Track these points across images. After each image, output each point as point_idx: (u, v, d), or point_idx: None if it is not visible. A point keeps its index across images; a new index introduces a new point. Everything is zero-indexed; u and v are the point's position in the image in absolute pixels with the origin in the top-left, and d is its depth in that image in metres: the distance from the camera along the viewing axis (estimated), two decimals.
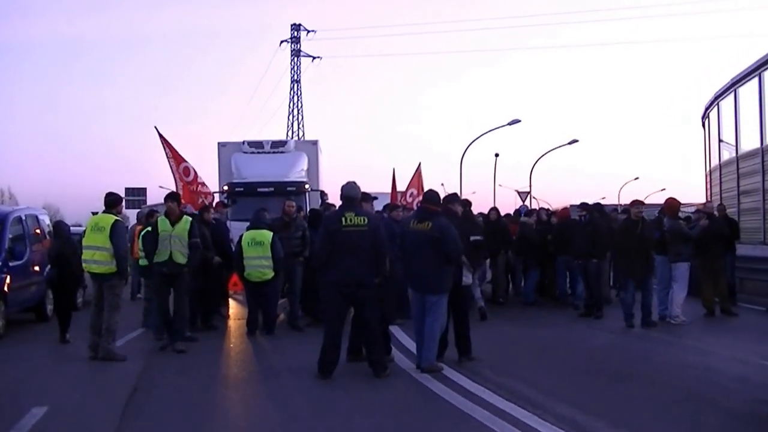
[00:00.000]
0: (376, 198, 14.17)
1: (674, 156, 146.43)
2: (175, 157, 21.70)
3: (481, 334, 13.79)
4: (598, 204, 19.56)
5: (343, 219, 11.44)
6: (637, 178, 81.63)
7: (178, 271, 14.03)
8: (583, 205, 19.52)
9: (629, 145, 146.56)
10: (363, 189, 11.93)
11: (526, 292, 21.18)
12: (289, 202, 17.27)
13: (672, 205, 18.18)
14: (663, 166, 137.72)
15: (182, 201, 17.97)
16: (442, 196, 12.41)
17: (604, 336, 15.73)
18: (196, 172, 22.30)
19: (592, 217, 18.71)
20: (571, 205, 23.27)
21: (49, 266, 16.09)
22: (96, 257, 13.36)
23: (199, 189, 22.26)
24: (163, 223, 14.10)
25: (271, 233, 16.13)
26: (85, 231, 13.93)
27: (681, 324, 16.85)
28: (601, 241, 18.08)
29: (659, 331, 16.08)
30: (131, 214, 37.64)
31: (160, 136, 21.44)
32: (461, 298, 12.33)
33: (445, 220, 11.77)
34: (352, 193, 11.62)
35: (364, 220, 11.40)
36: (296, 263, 16.74)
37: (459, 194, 14.37)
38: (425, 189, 24.10)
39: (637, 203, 17.21)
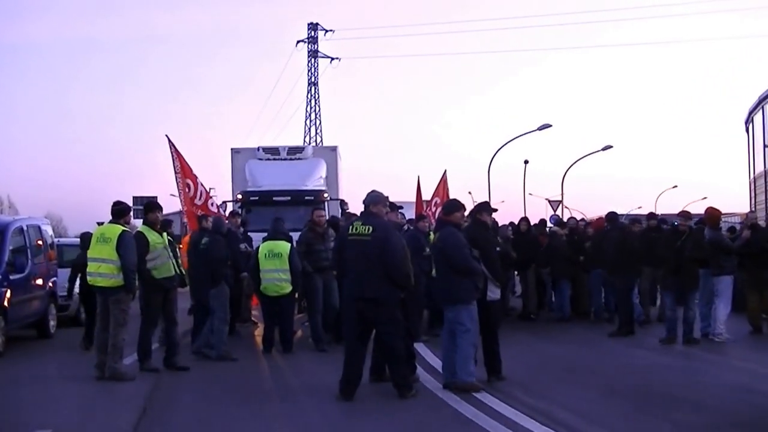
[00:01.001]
0: (401, 208, 14.07)
1: (715, 162, 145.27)
2: (184, 172, 20.89)
3: (512, 352, 13.68)
4: (612, 213, 19.39)
5: (351, 227, 11.52)
6: (675, 186, 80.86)
7: (177, 285, 14.27)
8: (610, 215, 19.40)
9: (667, 151, 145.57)
10: (390, 198, 11.89)
11: (558, 308, 21.04)
12: (318, 212, 17.09)
13: (713, 215, 18.04)
14: (703, 173, 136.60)
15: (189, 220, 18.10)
16: (469, 205, 12.39)
17: (643, 355, 15.59)
18: (207, 192, 21.64)
19: (622, 228, 18.67)
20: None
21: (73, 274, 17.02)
22: (101, 270, 13.29)
23: (201, 211, 21.09)
24: (151, 234, 13.93)
25: (289, 244, 16.07)
26: (90, 242, 13.89)
27: (724, 342, 16.69)
28: (631, 253, 17.96)
29: (701, 350, 15.93)
30: (139, 225, 37.65)
31: (171, 145, 20.90)
32: (488, 314, 12.23)
33: (449, 230, 11.85)
34: (367, 201, 11.61)
35: (368, 229, 11.28)
36: (322, 278, 16.50)
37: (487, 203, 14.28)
38: (450, 198, 24.33)
39: (683, 215, 17.08)
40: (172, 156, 20.72)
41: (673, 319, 16.52)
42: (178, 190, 20.77)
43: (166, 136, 20.75)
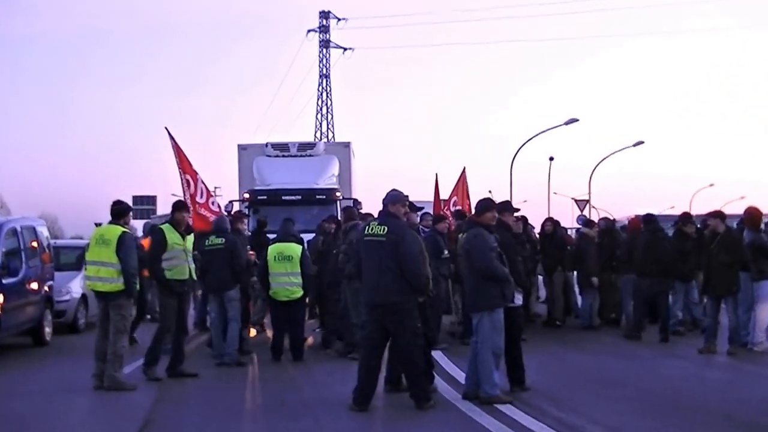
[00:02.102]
0: (422, 209, 14.00)
1: (755, 159, 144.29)
2: (183, 167, 20.77)
3: (537, 361, 13.66)
4: (649, 215, 19.38)
5: (367, 227, 11.55)
6: (712, 185, 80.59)
7: (191, 290, 14.21)
8: (647, 217, 19.34)
9: (702, 147, 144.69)
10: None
11: (583, 314, 20.95)
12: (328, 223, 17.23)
13: (753, 215, 17.89)
14: (741, 170, 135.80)
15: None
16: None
17: (679, 365, 15.53)
18: (208, 191, 21.46)
19: (655, 230, 18.64)
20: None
21: None
22: (101, 274, 13.33)
23: (203, 211, 21.00)
24: (172, 234, 14.07)
25: (301, 247, 16.08)
26: (88, 244, 13.92)
27: (765, 351, 16.60)
28: (663, 256, 17.98)
29: (741, 360, 15.84)
30: (139, 226, 37.62)
31: (171, 138, 20.83)
32: (511, 321, 12.20)
33: (476, 231, 11.81)
34: (385, 200, 11.62)
35: (383, 229, 11.29)
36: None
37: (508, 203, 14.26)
38: (470, 197, 24.28)
39: (715, 214, 16.97)
40: (174, 150, 20.62)
41: (712, 327, 16.43)
42: (182, 187, 20.62)
43: (166, 128, 20.60)
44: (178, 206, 14.57)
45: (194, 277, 14.35)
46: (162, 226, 14.30)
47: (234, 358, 15.28)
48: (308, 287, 16.00)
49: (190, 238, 14.39)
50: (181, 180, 20.40)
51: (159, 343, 14.07)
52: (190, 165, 20.48)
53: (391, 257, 11.14)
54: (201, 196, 20.36)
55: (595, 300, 20.75)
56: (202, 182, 20.53)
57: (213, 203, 20.80)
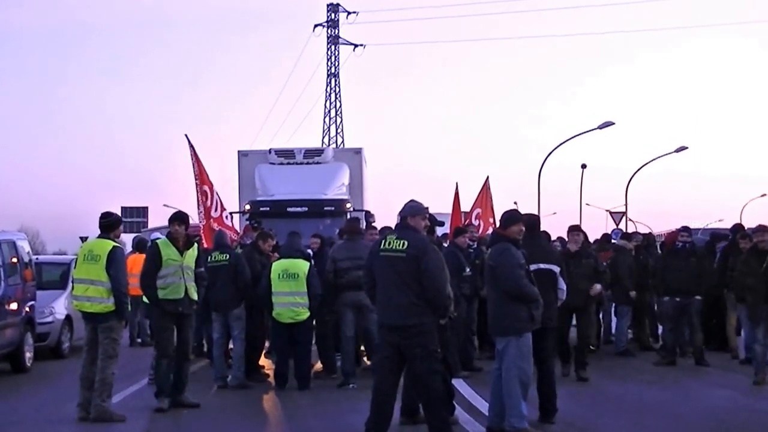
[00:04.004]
0: (443, 223, 14.00)
1: None
2: (201, 178, 20.86)
3: (569, 390, 13.66)
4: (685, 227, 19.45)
5: (383, 242, 11.46)
6: (764, 195, 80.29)
7: (190, 311, 14.12)
8: (683, 230, 19.36)
9: (753, 154, 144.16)
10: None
11: (621, 338, 20.91)
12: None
13: None
14: None
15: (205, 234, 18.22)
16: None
17: (727, 396, 15.48)
18: (222, 204, 21.55)
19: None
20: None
21: None
22: (89, 293, 13.30)
23: (216, 225, 21.13)
24: (168, 249, 14.00)
25: (308, 264, 16.08)
26: (75, 260, 13.94)
27: None
28: (707, 275, 18.07)
29: None
30: (128, 240, 37.66)
31: (191, 147, 20.82)
32: (540, 344, 12.19)
33: (503, 246, 11.76)
34: (404, 212, 11.58)
35: (403, 243, 11.21)
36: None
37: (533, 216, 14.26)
38: (494, 208, 24.32)
39: (762, 229, 16.93)
40: (192, 159, 20.73)
41: (762, 355, 16.34)
42: (198, 200, 20.71)
43: (186, 136, 20.73)
44: (175, 218, 14.40)
45: (193, 296, 14.13)
46: (158, 240, 14.30)
47: (239, 381, 15.30)
48: (315, 308, 15.97)
49: (191, 253, 14.20)
50: (198, 191, 20.59)
51: (159, 369, 14.02)
52: (207, 175, 20.69)
53: (411, 274, 11.06)
54: (216, 210, 20.60)
55: (629, 320, 20.82)
56: (217, 195, 20.76)
57: (227, 217, 21.01)
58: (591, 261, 17.10)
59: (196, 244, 14.46)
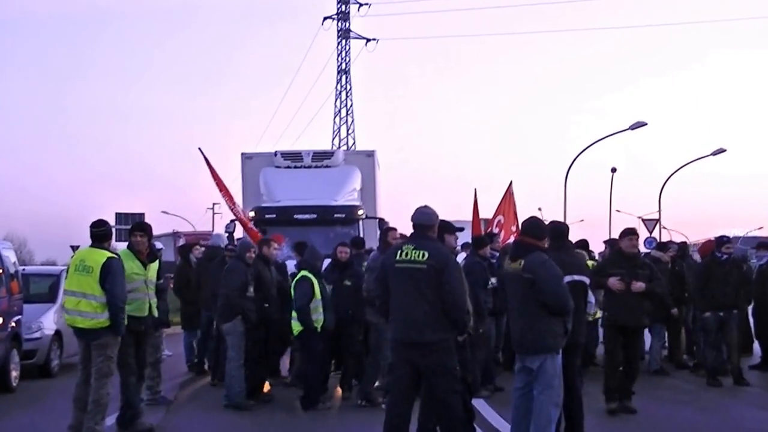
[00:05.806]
0: (461, 229, 13.98)
1: None
2: (219, 188, 21.17)
3: (598, 412, 13.64)
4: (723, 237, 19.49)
5: (399, 252, 11.34)
6: None
7: (150, 331, 14.33)
8: (720, 239, 19.36)
9: None
10: (441, 216, 11.75)
11: (655, 356, 20.92)
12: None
13: None
14: None
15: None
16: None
17: (765, 417, 15.57)
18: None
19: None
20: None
21: None
22: (81, 307, 13.13)
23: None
24: (131, 262, 13.84)
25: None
26: (66, 272, 13.94)
27: None
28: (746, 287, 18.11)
29: None
30: (122, 248, 37.68)
31: (207, 161, 21.04)
32: (566, 363, 12.17)
33: (541, 258, 11.53)
34: (421, 220, 11.45)
35: (423, 255, 11.12)
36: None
37: (560, 223, 14.26)
38: (518, 214, 24.30)
39: None
40: (211, 174, 21.13)
41: None
42: (231, 210, 21.26)
43: (200, 149, 21.05)
44: (133, 228, 14.43)
45: (155, 313, 14.17)
46: (120, 252, 14.04)
47: (236, 401, 15.25)
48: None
49: (154, 266, 14.20)
50: (227, 203, 21.07)
51: (127, 389, 13.88)
52: (225, 187, 21.19)
53: (431, 288, 11.00)
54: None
55: (663, 339, 20.85)
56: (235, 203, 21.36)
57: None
58: (647, 272, 16.57)
59: (157, 255, 14.47)
